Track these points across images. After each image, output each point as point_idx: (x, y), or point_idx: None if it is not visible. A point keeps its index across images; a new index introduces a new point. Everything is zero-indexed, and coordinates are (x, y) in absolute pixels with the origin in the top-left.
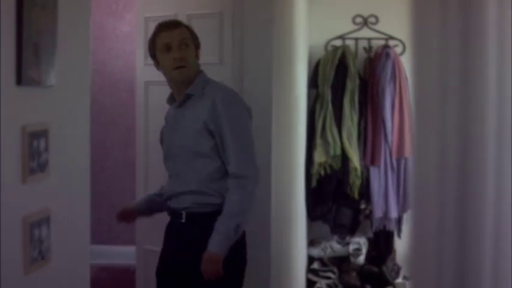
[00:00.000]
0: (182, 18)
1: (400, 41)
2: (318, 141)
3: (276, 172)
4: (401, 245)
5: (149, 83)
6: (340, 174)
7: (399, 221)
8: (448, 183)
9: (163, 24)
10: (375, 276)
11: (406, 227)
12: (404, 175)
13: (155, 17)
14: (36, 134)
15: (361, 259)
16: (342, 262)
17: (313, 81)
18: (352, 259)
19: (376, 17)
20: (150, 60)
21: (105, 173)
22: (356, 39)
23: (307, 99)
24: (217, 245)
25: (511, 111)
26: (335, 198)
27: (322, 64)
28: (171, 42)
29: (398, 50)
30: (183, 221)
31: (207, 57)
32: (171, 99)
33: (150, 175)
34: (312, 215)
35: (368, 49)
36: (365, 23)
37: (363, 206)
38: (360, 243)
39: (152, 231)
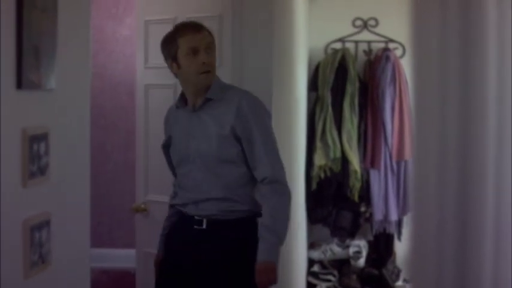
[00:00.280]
0: (182, 20)
1: (400, 43)
2: (318, 144)
3: None
4: (401, 247)
5: (149, 86)
6: (340, 177)
7: (399, 223)
8: (448, 186)
9: (188, 26)
10: (375, 279)
11: (406, 230)
12: (404, 178)
13: (155, 20)
14: (36, 138)
15: (362, 262)
16: (342, 265)
17: (313, 84)
18: (352, 262)
19: (376, 20)
20: (150, 64)
21: (105, 176)
22: (356, 42)
23: (307, 102)
24: (268, 253)
25: (511, 113)
26: (335, 201)
27: (322, 67)
28: (199, 45)
29: (398, 52)
30: (204, 227)
31: None
32: (181, 103)
33: (150, 178)
34: (312, 217)
35: (368, 52)
36: (365, 25)
37: (363, 209)
38: (360, 246)
39: (152, 235)
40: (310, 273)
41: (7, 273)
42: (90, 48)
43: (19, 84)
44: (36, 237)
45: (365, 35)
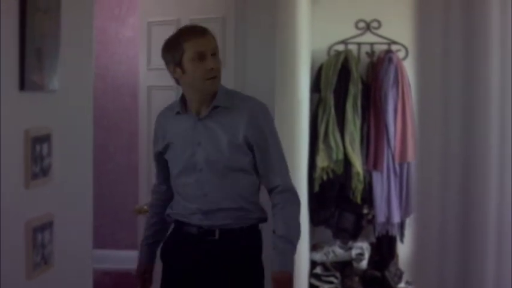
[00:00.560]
0: (185, 22)
1: (403, 45)
2: (321, 145)
3: None
4: (403, 249)
5: (152, 87)
6: (343, 179)
7: (402, 225)
8: (451, 188)
9: (194, 30)
10: (378, 281)
11: (408, 232)
12: (406, 180)
13: (158, 22)
14: (39, 139)
15: (364, 264)
16: (344, 267)
17: (316, 86)
18: (354, 264)
19: (379, 22)
20: (153, 65)
21: (108, 177)
22: (359, 44)
23: (309, 103)
24: (284, 263)
25: None
26: (337, 203)
27: (324, 69)
28: (205, 50)
29: (401, 54)
30: (216, 238)
31: None
32: (183, 109)
33: (153, 180)
34: (315, 219)
35: (371, 54)
36: (368, 27)
37: (365, 211)
38: (362, 248)
39: None
40: (312, 275)
41: (10, 274)
42: (93, 50)
43: (22, 86)
44: (39, 238)
45: (368, 37)
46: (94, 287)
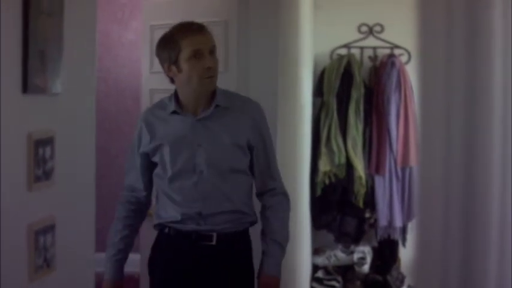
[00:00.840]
0: None
1: (406, 50)
2: (323, 149)
3: None
4: (405, 254)
5: (154, 90)
6: (345, 183)
7: (404, 230)
8: (454, 192)
9: (191, 27)
10: (379, 285)
11: (410, 236)
12: (409, 184)
13: (161, 25)
14: (42, 142)
15: (366, 268)
16: (346, 271)
17: (318, 90)
18: (356, 268)
19: (382, 26)
20: (155, 68)
21: (110, 180)
22: (361, 48)
23: (312, 107)
24: (276, 268)
25: None
26: (340, 207)
27: (327, 73)
28: (203, 48)
29: (404, 59)
30: (213, 243)
31: None
32: (179, 109)
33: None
34: (317, 223)
35: (373, 58)
36: (370, 31)
37: (367, 215)
38: (364, 252)
39: None
40: (314, 279)
41: (12, 276)
42: (96, 53)
43: (25, 89)
44: (41, 241)
45: (370, 41)
46: None
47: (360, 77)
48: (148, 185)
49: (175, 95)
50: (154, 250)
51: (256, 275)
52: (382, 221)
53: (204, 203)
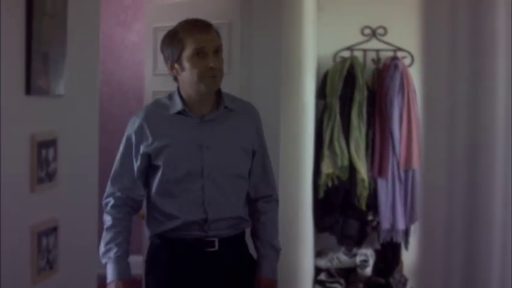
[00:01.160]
0: None
1: (409, 52)
2: (326, 152)
3: (283, 182)
4: (408, 256)
5: (157, 92)
6: (348, 186)
7: (406, 232)
8: (456, 195)
9: (196, 24)
10: None
11: (413, 239)
12: (411, 187)
13: (164, 27)
14: (45, 143)
15: (368, 271)
16: (348, 273)
17: (321, 92)
18: (359, 270)
19: (385, 29)
20: (158, 70)
21: None
22: (364, 51)
23: (315, 110)
24: (274, 271)
25: None
26: (342, 209)
27: (330, 75)
28: (207, 47)
29: (407, 61)
30: (216, 249)
31: None
32: (185, 110)
33: None
34: (319, 226)
35: (376, 60)
36: (373, 34)
37: (370, 218)
38: (367, 255)
39: None
40: (317, 281)
41: (15, 278)
42: (99, 55)
43: (28, 90)
44: (44, 242)
45: (374, 44)
46: None
47: (362, 79)
48: (145, 187)
49: (180, 94)
50: (152, 260)
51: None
52: (385, 224)
53: (211, 208)
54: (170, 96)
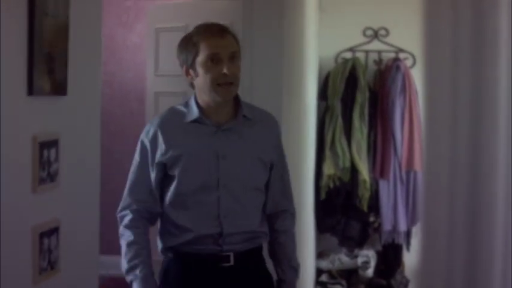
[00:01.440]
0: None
1: (411, 54)
2: (327, 153)
3: None
4: (410, 258)
5: (159, 93)
6: (349, 187)
7: (408, 234)
8: (458, 197)
9: (211, 28)
10: None
11: (414, 240)
12: (413, 188)
13: (165, 28)
14: (47, 144)
15: (370, 272)
16: (350, 275)
17: (323, 94)
18: (360, 272)
19: (387, 30)
20: (160, 71)
21: (114, 182)
22: (366, 52)
23: (316, 111)
24: None
25: None
26: (344, 210)
27: (332, 76)
28: (222, 53)
29: (409, 62)
30: (232, 264)
31: None
32: (201, 118)
33: None
34: (321, 227)
35: (378, 62)
36: (375, 35)
37: (371, 219)
38: (368, 256)
39: None
40: (318, 282)
41: (16, 278)
42: (101, 56)
43: (30, 91)
44: (46, 243)
45: (375, 45)
46: None
47: (364, 80)
48: (161, 198)
49: (196, 101)
50: (167, 279)
51: None
52: (387, 225)
53: (226, 221)
54: (186, 104)
